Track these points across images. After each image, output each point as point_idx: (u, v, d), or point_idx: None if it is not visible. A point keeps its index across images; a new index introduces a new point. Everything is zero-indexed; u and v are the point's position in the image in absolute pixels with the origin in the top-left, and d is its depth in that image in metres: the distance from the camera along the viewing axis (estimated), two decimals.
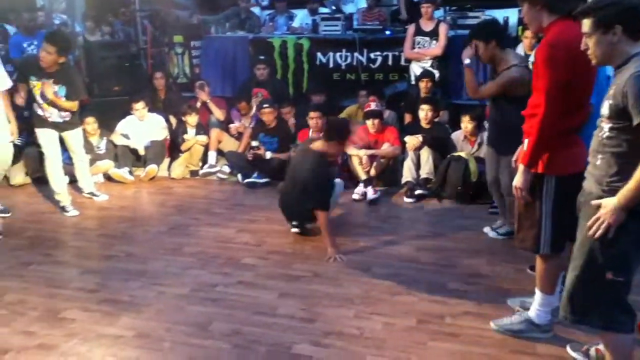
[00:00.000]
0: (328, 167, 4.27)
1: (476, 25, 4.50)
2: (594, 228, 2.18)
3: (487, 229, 4.37)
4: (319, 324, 3.14)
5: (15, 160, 5.87)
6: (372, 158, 5.45)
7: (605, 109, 2.16)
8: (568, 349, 2.80)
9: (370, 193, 5.22)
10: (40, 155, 5.24)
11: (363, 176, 5.35)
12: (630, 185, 2.07)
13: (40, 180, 5.75)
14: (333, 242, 4.03)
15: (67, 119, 4.98)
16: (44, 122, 4.94)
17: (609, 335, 2.35)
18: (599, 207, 2.18)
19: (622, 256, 2.20)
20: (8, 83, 4.55)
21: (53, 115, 4.92)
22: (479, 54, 3.87)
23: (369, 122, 5.55)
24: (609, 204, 2.14)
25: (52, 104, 4.84)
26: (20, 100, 5.02)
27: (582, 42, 2.24)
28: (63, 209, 5.07)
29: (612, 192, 2.16)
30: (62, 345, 2.97)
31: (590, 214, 2.23)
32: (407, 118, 6.18)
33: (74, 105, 4.94)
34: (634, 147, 2.08)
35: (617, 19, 2.11)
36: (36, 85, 4.81)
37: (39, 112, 4.92)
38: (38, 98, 4.85)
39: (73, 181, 5.43)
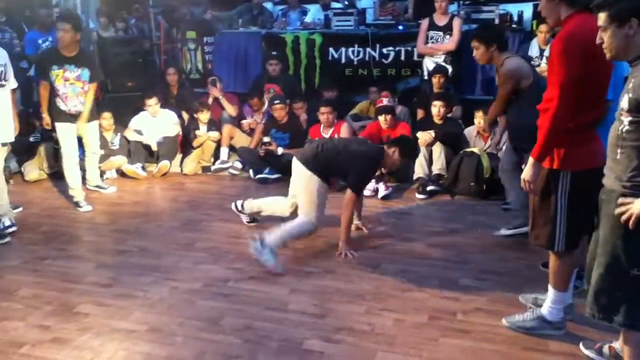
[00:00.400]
0: (376, 164, 4.15)
1: (478, 26, 4.46)
2: (625, 217, 2.15)
3: (503, 230, 4.19)
4: (329, 319, 3.14)
5: (30, 156, 5.98)
6: None
7: (624, 102, 2.14)
8: (581, 346, 2.77)
9: (382, 189, 5.21)
10: (56, 151, 5.30)
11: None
12: None
13: (55, 175, 5.84)
14: (347, 237, 4.02)
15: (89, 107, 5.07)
16: (64, 116, 5.00)
17: (631, 333, 2.33)
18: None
19: None
20: (15, 83, 4.64)
21: (76, 104, 4.99)
22: (477, 55, 3.84)
23: (381, 118, 5.53)
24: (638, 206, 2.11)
25: (74, 93, 4.93)
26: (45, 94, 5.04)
27: (597, 35, 2.22)
28: (77, 204, 5.13)
29: (633, 187, 2.14)
30: (76, 339, 3.01)
31: (609, 213, 2.21)
32: (420, 114, 6.15)
33: (94, 88, 5.08)
34: None
35: (633, 12, 2.10)
36: (59, 74, 4.88)
37: (61, 105, 4.99)
38: (61, 87, 4.91)
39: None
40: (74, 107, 5.00)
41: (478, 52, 3.76)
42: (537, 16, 6.17)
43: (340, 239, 4.00)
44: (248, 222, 4.55)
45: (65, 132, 5.04)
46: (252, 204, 4.43)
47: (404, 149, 4.18)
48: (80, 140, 5.27)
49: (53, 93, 4.98)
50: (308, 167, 3.98)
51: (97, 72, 5.15)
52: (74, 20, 4.84)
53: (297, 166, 4.06)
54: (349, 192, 3.97)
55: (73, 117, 5.02)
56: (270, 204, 4.36)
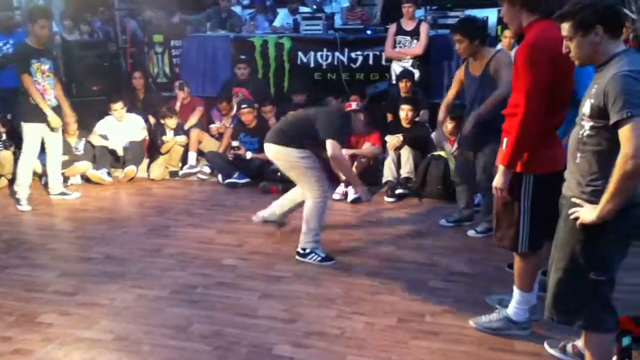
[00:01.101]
0: (345, 120, 3.98)
1: (461, 20, 4.49)
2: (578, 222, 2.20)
3: (471, 232, 4.37)
4: (300, 324, 3.13)
5: None
6: (353, 158, 5.45)
7: (586, 108, 2.17)
8: (545, 345, 2.83)
9: (351, 193, 5.23)
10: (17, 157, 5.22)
11: (344, 176, 5.34)
12: (606, 197, 2.08)
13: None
14: (358, 181, 4.08)
15: (57, 103, 5.17)
16: (36, 116, 5.00)
17: (591, 334, 2.36)
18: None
19: (604, 255, 2.22)
20: None
21: (52, 98, 5.09)
22: (460, 49, 3.89)
23: None
24: (587, 215, 2.15)
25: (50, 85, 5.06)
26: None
27: (562, 44, 2.25)
28: (18, 201, 5.12)
29: (592, 193, 2.18)
30: (39, 350, 2.92)
31: (568, 217, 2.25)
32: (389, 117, 6.18)
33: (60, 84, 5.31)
34: (614, 145, 2.09)
35: (597, 19, 2.12)
36: (38, 67, 4.97)
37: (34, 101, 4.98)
38: (40, 80, 4.99)
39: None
40: (49, 100, 5.06)
41: (461, 46, 3.82)
42: (501, 22, 6.29)
43: (354, 185, 4.01)
44: (280, 225, 4.35)
45: (32, 132, 5.05)
46: (272, 209, 4.25)
47: (369, 117, 4.21)
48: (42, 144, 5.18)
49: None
50: (280, 143, 3.82)
51: (58, 64, 5.53)
52: (50, 14, 5.12)
53: (270, 150, 3.89)
54: (328, 142, 3.73)
55: (45, 115, 5.00)
56: (288, 196, 4.20)
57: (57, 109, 5.14)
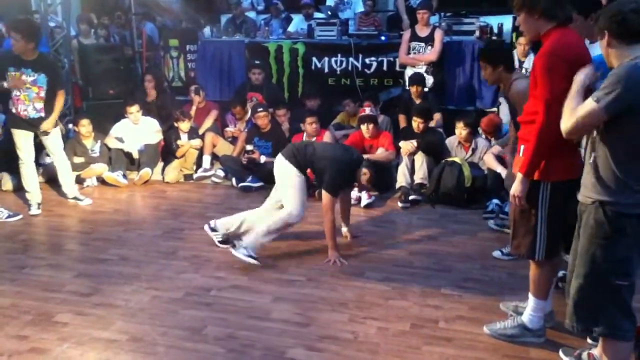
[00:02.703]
0: (351, 171, 4.17)
1: (484, 46, 4.42)
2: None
3: (496, 253, 4.16)
4: (313, 328, 3.14)
5: (4, 167, 5.89)
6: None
7: None
8: (560, 353, 2.81)
9: (365, 197, 5.23)
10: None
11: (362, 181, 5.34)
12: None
13: None
14: (334, 242, 4.03)
15: (42, 114, 5.00)
16: (19, 122, 4.98)
17: (610, 342, 2.36)
18: (594, 219, 2.25)
19: (623, 259, 2.23)
20: None
21: (29, 109, 4.96)
22: (484, 75, 3.87)
23: (364, 127, 5.57)
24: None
25: (28, 97, 4.91)
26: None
27: (579, 51, 2.31)
28: (28, 207, 5.14)
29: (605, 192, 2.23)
30: (55, 349, 2.96)
31: (587, 223, 2.28)
32: (402, 120, 6.16)
33: (61, 96, 5.08)
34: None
35: (604, 26, 2.24)
36: (16, 75, 4.87)
37: (13, 109, 4.97)
38: (15, 90, 4.90)
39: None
40: (24, 111, 4.95)
41: (486, 72, 3.78)
42: (516, 29, 6.28)
43: (328, 247, 4.01)
44: (220, 241, 4.28)
45: (22, 139, 5.03)
46: (226, 221, 4.29)
47: (376, 178, 4.29)
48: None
49: (8, 96, 4.98)
50: (290, 160, 4.09)
51: (59, 80, 5.15)
52: (25, 30, 4.79)
53: (280, 162, 4.15)
54: (324, 193, 4.02)
55: (29, 124, 4.98)
56: (249, 216, 4.25)
57: (37, 120, 4.98)
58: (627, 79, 2.11)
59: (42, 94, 4.97)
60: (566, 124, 2.29)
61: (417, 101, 5.98)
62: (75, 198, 5.41)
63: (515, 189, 2.70)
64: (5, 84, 4.87)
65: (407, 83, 6.37)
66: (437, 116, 5.99)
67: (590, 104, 2.19)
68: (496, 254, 4.07)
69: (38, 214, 5.10)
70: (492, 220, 4.67)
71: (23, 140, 5.03)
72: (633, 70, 2.12)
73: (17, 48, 4.84)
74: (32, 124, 5.00)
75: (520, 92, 3.66)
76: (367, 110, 5.69)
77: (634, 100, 2.11)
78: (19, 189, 5.73)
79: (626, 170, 2.19)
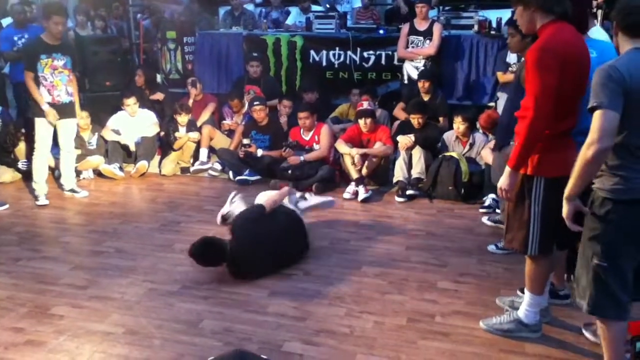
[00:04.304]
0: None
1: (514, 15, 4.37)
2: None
3: (491, 247, 4.16)
4: (309, 322, 3.14)
5: (5, 157, 5.88)
6: (364, 157, 5.46)
7: None
8: (583, 331, 2.95)
9: (362, 192, 5.23)
10: (31, 150, 5.26)
11: (355, 175, 5.35)
12: (570, 180, 2.32)
13: (29, 175, 5.71)
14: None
15: (72, 98, 5.15)
16: (41, 110, 5.01)
17: (599, 321, 2.45)
18: (592, 213, 2.34)
19: (605, 244, 2.33)
20: None
21: (62, 94, 5.06)
22: (510, 43, 3.85)
23: (361, 121, 5.55)
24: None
25: (61, 82, 5.04)
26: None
27: (575, 46, 2.31)
28: (36, 197, 5.15)
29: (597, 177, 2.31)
30: (51, 341, 2.95)
31: (589, 217, 2.35)
32: (399, 112, 6.12)
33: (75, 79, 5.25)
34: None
35: (615, 17, 2.33)
36: (47, 62, 4.96)
37: (46, 97, 5.00)
38: (48, 76, 4.98)
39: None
40: (58, 96, 5.04)
41: (512, 40, 3.78)
42: (514, 22, 6.26)
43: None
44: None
45: (44, 127, 5.06)
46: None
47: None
48: (55, 138, 5.22)
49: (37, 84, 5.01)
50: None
51: (76, 60, 5.35)
52: (64, 12, 5.11)
53: None
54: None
55: (57, 112, 5.01)
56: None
57: (68, 106, 5.12)
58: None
59: (71, 76, 5.13)
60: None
61: (426, 97, 5.91)
62: (72, 190, 5.40)
63: (502, 182, 2.70)
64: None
65: (405, 78, 6.35)
66: (443, 119, 5.91)
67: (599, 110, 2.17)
68: (491, 248, 4.08)
69: (46, 204, 5.11)
70: (485, 217, 4.66)
71: (44, 129, 5.07)
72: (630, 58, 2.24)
73: (59, 31, 4.96)
74: (61, 111, 5.06)
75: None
76: (365, 104, 5.67)
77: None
78: (16, 181, 5.75)
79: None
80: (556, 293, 3.26)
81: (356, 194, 5.27)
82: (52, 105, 5.00)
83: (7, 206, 5.03)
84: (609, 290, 2.34)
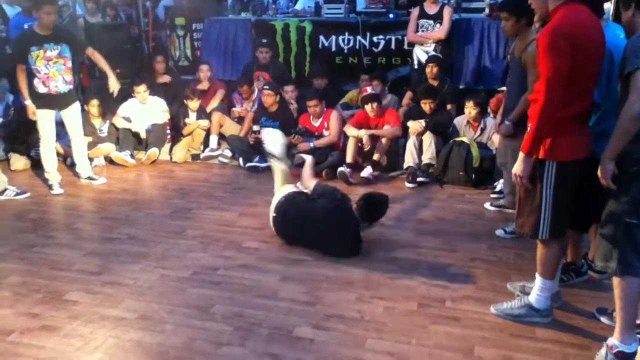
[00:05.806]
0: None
1: None
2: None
3: (499, 231, 4.13)
4: (320, 307, 3.16)
5: (17, 144, 5.92)
6: (373, 141, 5.44)
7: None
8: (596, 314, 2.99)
9: (367, 170, 5.25)
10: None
11: (350, 159, 5.35)
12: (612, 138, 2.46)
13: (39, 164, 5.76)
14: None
15: (72, 87, 5.11)
16: (45, 101, 4.99)
17: (622, 279, 2.48)
18: (623, 171, 2.44)
19: (635, 200, 2.43)
20: None
21: (59, 84, 4.98)
22: (505, 27, 3.82)
23: (368, 107, 5.54)
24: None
25: (58, 71, 4.95)
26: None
27: (587, 28, 2.31)
28: (50, 187, 5.17)
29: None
30: (65, 326, 2.99)
31: (619, 177, 2.45)
32: (407, 98, 6.11)
33: (93, 54, 5.22)
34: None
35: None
36: (39, 54, 4.87)
37: (40, 88, 4.96)
38: (42, 68, 4.90)
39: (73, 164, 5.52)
40: (55, 87, 4.98)
41: (507, 23, 3.76)
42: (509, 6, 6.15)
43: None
44: None
45: (45, 117, 5.05)
46: None
47: (367, 211, 3.93)
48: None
49: (30, 77, 4.96)
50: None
51: (82, 43, 5.28)
52: (57, 2, 4.98)
53: None
54: None
55: (52, 101, 4.99)
56: None
57: (68, 95, 5.08)
58: None
59: (69, 64, 5.05)
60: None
61: (434, 83, 5.84)
62: (89, 178, 5.43)
63: (517, 167, 2.69)
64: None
65: (415, 62, 6.30)
66: (451, 107, 5.86)
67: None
68: (499, 232, 4.08)
69: (62, 192, 5.13)
70: (488, 203, 4.64)
71: (46, 120, 5.06)
72: None
73: (51, 21, 4.85)
74: (61, 101, 5.04)
75: (535, 54, 3.61)
76: (369, 90, 5.66)
77: None
78: (27, 169, 5.80)
79: None
80: (578, 270, 3.28)
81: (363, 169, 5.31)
82: (50, 96, 4.97)
83: (28, 194, 5.05)
84: (639, 248, 2.43)
